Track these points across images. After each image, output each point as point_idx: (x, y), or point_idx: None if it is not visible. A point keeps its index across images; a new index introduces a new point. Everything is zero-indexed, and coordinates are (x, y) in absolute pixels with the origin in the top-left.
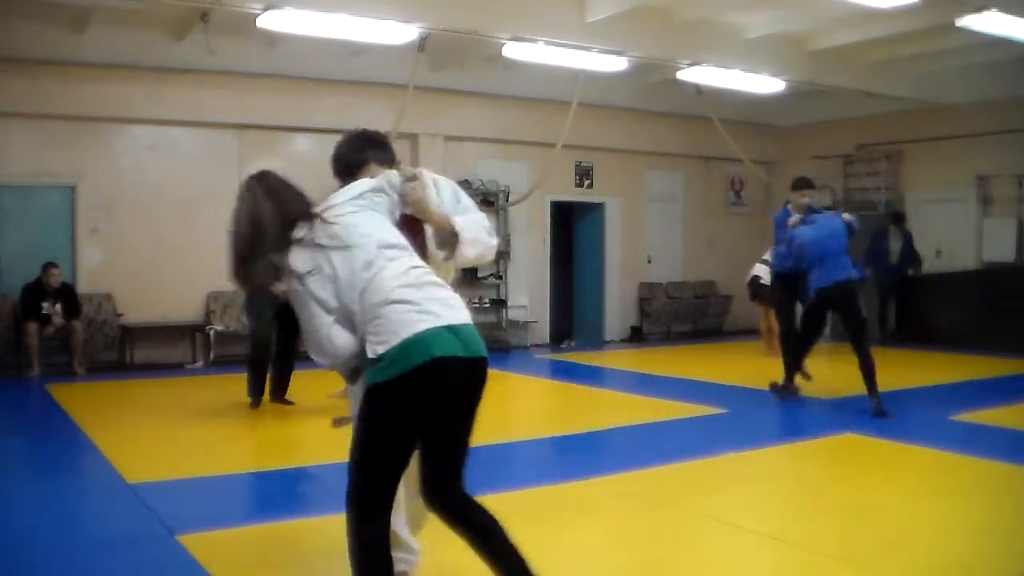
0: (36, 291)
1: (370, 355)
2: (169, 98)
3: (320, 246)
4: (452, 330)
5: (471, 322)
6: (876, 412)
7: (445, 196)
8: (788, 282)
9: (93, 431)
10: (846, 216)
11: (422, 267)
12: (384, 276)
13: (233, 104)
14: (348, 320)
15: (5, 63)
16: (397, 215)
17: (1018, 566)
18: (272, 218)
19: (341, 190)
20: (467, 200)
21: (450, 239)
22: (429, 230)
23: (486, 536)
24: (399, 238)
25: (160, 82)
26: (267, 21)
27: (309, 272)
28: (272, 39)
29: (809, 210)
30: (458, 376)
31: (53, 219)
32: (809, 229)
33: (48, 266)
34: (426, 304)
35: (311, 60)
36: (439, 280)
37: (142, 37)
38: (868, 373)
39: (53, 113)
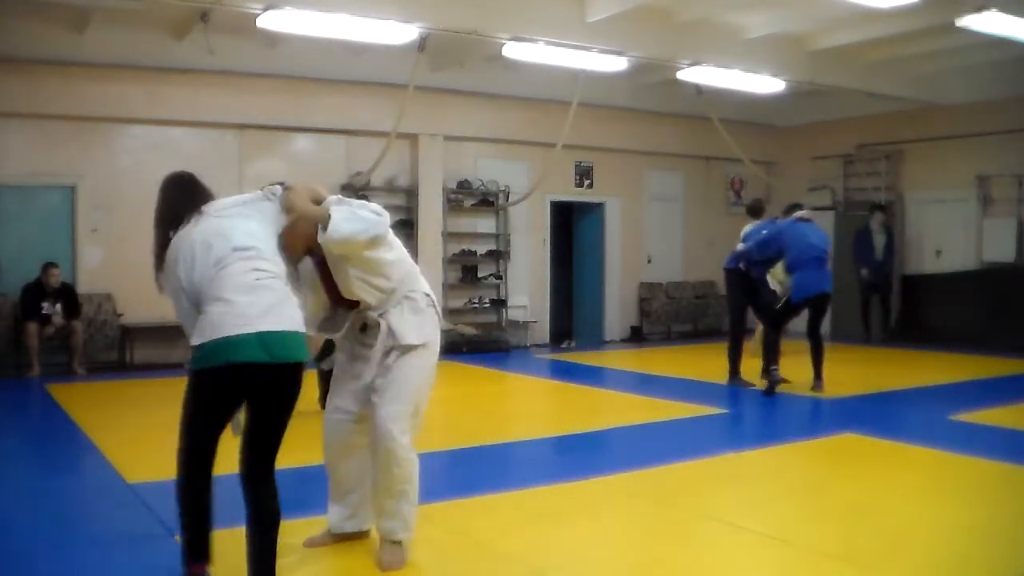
0: (36, 291)
1: (191, 343)
2: (169, 98)
3: (192, 237)
4: (261, 336)
5: (293, 328)
6: (815, 389)
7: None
8: (746, 280)
9: (93, 431)
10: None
11: (265, 271)
12: (225, 274)
13: (233, 104)
14: (196, 306)
15: (5, 63)
16: (282, 221)
17: (1018, 566)
18: (182, 207)
19: (229, 198)
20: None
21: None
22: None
23: (260, 527)
24: (258, 241)
25: (160, 82)
26: (267, 21)
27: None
28: (272, 39)
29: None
30: (258, 378)
31: (53, 219)
32: (810, 233)
33: (48, 266)
34: (246, 308)
35: (311, 60)
36: (275, 286)
37: (142, 37)
38: (819, 360)
39: (53, 113)
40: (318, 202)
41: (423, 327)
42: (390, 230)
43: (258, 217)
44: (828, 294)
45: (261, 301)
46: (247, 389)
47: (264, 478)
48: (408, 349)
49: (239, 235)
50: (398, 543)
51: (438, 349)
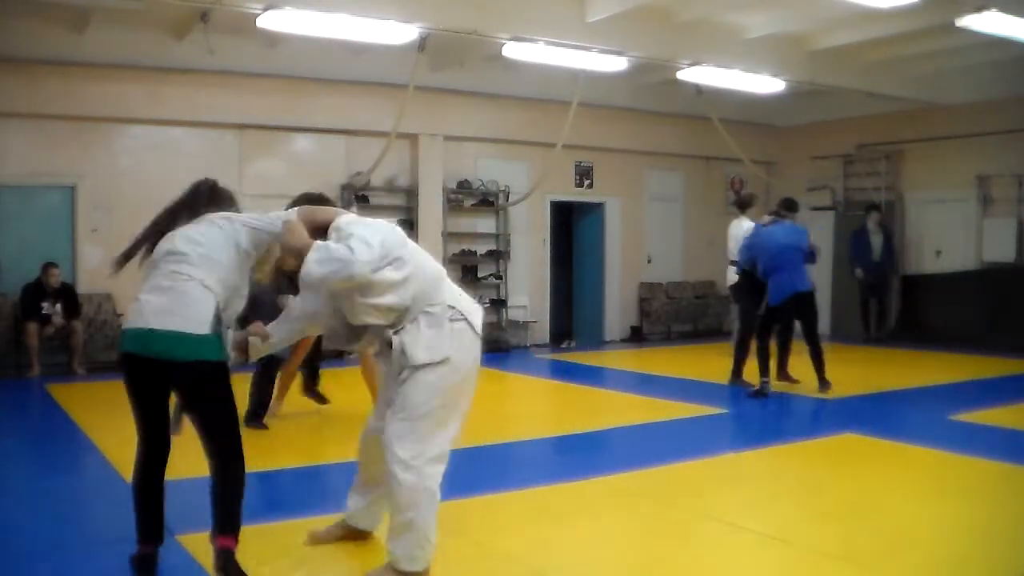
0: (36, 291)
1: None
2: (169, 98)
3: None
4: (145, 331)
5: (186, 329)
6: (822, 391)
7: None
8: (754, 282)
9: (93, 431)
10: (813, 242)
11: (181, 274)
12: (150, 275)
13: (233, 104)
14: None
15: (5, 63)
16: (257, 243)
17: (1018, 566)
18: (184, 213)
19: (233, 213)
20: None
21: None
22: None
23: (218, 487)
24: (194, 247)
25: (160, 82)
26: (267, 21)
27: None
28: (272, 39)
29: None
30: (140, 369)
31: (53, 219)
32: (780, 234)
33: (48, 266)
34: (147, 306)
35: (311, 60)
36: (185, 288)
37: (142, 37)
38: (820, 363)
39: (53, 113)
40: (326, 225)
41: (439, 342)
42: (410, 243)
43: (229, 230)
44: (803, 293)
45: (159, 301)
46: (151, 380)
47: (223, 466)
48: (422, 366)
49: (180, 241)
50: (396, 572)
51: (464, 361)
